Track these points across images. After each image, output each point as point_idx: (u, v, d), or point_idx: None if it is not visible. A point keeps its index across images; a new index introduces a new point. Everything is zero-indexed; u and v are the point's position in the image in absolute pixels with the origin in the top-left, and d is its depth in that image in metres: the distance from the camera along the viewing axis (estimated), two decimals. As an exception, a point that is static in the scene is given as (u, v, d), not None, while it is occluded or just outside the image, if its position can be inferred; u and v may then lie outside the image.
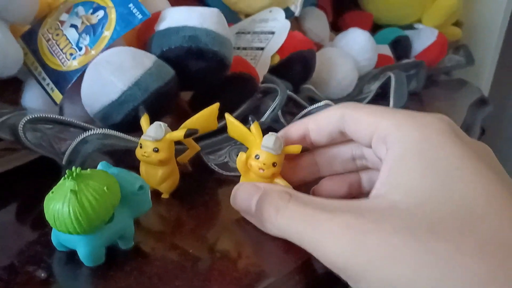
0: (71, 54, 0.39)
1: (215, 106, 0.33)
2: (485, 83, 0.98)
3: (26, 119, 0.31)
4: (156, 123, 0.30)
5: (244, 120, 0.43)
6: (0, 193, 0.31)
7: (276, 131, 0.46)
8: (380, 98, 0.61)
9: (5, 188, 0.31)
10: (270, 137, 0.30)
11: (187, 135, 0.30)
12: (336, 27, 0.73)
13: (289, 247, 0.27)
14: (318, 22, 0.65)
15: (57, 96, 0.39)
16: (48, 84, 0.39)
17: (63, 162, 0.33)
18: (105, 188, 0.23)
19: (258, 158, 0.30)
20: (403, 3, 0.71)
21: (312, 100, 0.52)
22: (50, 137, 0.35)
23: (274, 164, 0.30)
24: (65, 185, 0.22)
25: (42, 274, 0.24)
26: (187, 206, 0.32)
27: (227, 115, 0.32)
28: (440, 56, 0.72)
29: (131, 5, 0.39)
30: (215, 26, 0.39)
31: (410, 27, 0.74)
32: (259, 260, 0.27)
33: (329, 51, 0.58)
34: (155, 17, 0.40)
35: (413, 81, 0.68)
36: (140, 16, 0.39)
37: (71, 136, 0.34)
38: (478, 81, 0.94)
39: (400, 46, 0.69)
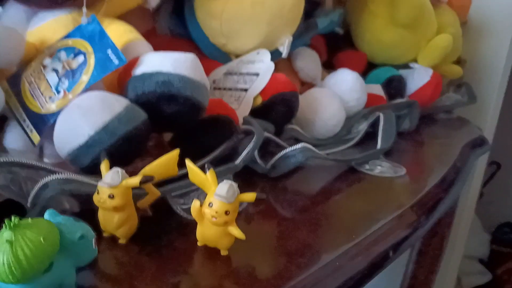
0: (50, 97, 0.40)
1: (175, 152, 0.33)
2: (490, 120, 0.97)
3: (-8, 164, 0.32)
4: (114, 169, 0.31)
5: (221, 161, 0.44)
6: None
7: (255, 171, 0.47)
8: (370, 138, 0.61)
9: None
10: (224, 185, 0.30)
11: (142, 182, 0.30)
12: (331, 66, 0.73)
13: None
14: (309, 62, 0.66)
15: (35, 137, 0.40)
16: (28, 126, 0.41)
17: (28, 205, 0.33)
18: (41, 238, 0.23)
19: (211, 206, 0.30)
20: (397, 43, 0.72)
21: (297, 140, 0.52)
22: (21, 179, 0.36)
23: (226, 213, 0.30)
24: (2, 235, 0.23)
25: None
26: (147, 250, 0.33)
27: (187, 161, 0.33)
28: (434, 95, 0.72)
29: (109, 50, 0.41)
30: (189, 72, 0.40)
31: (405, 66, 0.74)
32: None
33: (316, 92, 0.58)
34: (134, 62, 0.42)
35: (406, 120, 0.67)
36: (116, 62, 0.40)
37: (41, 178, 0.35)
38: (481, 118, 0.92)
39: (394, 86, 0.69)
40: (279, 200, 0.44)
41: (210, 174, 0.31)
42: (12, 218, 0.23)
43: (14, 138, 0.42)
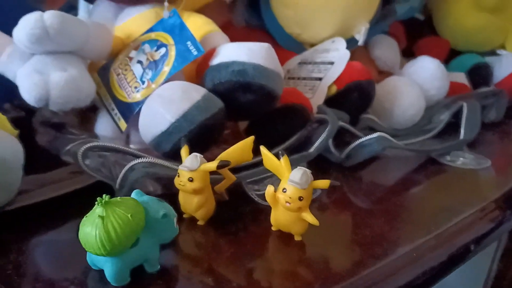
0: (135, 87, 0.43)
1: (250, 139, 0.34)
2: None
3: (84, 147, 0.35)
4: (193, 154, 0.33)
5: (295, 150, 0.44)
6: (61, 213, 0.35)
7: (329, 161, 0.46)
8: (452, 129, 0.58)
9: (66, 208, 0.35)
10: (298, 171, 0.31)
11: (219, 166, 0.32)
12: (411, 54, 0.70)
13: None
14: (387, 50, 0.63)
15: (123, 125, 0.43)
16: (116, 114, 0.44)
17: (116, 187, 0.36)
18: (129, 216, 0.25)
19: (285, 191, 0.31)
20: (482, 28, 0.67)
21: (373, 130, 0.51)
22: (111, 163, 0.39)
23: (300, 198, 0.30)
24: (95, 211, 0.25)
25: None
26: (223, 233, 0.34)
27: (262, 148, 0.34)
28: (525, 84, 0.66)
29: (189, 42, 0.43)
30: (263, 61, 0.41)
31: (492, 53, 0.69)
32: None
33: (394, 80, 0.56)
34: (211, 53, 0.43)
35: (492, 110, 0.63)
36: (195, 53, 0.42)
37: (128, 162, 0.38)
38: None
39: (479, 74, 0.64)
40: (354, 190, 0.43)
41: (284, 160, 0.32)
42: (103, 196, 0.26)
43: (104, 126, 0.45)
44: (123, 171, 0.35)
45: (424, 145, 0.54)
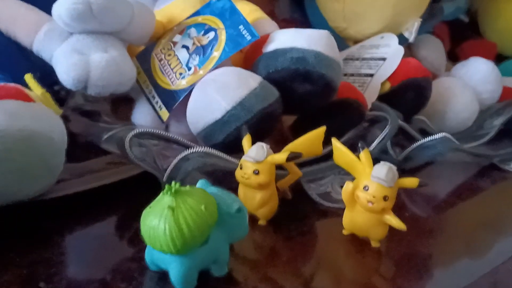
0: (180, 74, 0.39)
1: (321, 129, 0.31)
2: None
3: (133, 133, 0.32)
4: (258, 144, 0.29)
5: (349, 149, 0.40)
6: (101, 206, 0.31)
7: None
8: (503, 136, 0.54)
9: (106, 201, 0.32)
10: (383, 166, 0.27)
11: (289, 158, 0.28)
12: (453, 57, 0.67)
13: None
14: (433, 50, 0.60)
15: (164, 114, 0.39)
16: (157, 102, 0.40)
17: (164, 179, 0.32)
18: (202, 207, 0.21)
19: (367, 189, 0.27)
20: (534, 31, 0.64)
21: (425, 133, 0.47)
22: (155, 153, 0.35)
23: (385, 198, 0.26)
24: (163, 200, 0.21)
25: (133, 292, 0.23)
26: (284, 236, 0.30)
27: (334, 140, 0.30)
28: None
29: (241, 26, 0.39)
30: (324, 48, 0.37)
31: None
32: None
33: (447, 81, 0.53)
34: (264, 39, 0.40)
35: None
36: (249, 38, 0.38)
37: (174, 153, 0.34)
38: None
39: (529, 79, 0.61)
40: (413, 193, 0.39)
41: (364, 154, 0.28)
42: (173, 183, 0.22)
43: (142, 115, 0.41)
44: (176, 160, 0.31)
45: (478, 151, 0.50)
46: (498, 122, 0.54)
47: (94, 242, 0.28)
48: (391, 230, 0.28)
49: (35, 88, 0.30)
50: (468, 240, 0.33)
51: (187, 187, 0.22)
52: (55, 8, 0.36)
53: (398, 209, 0.36)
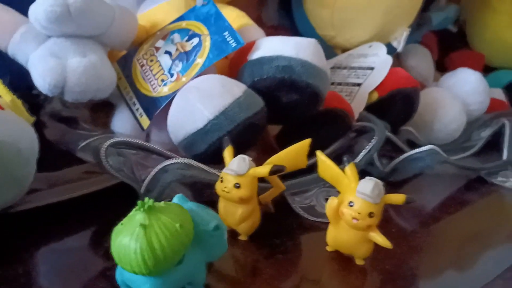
0: (162, 80, 0.38)
1: (306, 142, 0.29)
2: None
3: (109, 142, 0.30)
4: (240, 156, 0.28)
5: (334, 160, 0.39)
6: (73, 218, 0.30)
7: (370, 175, 0.42)
8: (491, 148, 0.53)
9: (80, 212, 0.30)
10: (368, 182, 0.26)
11: (273, 172, 0.27)
12: (441, 67, 0.67)
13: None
14: (422, 60, 0.59)
15: (145, 122, 0.38)
16: (137, 109, 0.39)
17: (142, 190, 0.31)
18: (177, 225, 0.20)
19: (352, 205, 0.26)
20: (522, 42, 0.64)
21: (412, 145, 0.46)
22: (133, 163, 0.34)
23: (370, 215, 0.25)
24: (135, 217, 0.20)
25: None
26: (266, 252, 0.29)
27: (318, 153, 0.29)
28: None
29: (226, 33, 0.38)
30: (311, 57, 0.36)
31: (528, 70, 0.65)
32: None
33: (435, 91, 0.52)
34: (249, 46, 0.39)
35: (531, 130, 0.59)
36: (234, 44, 0.37)
37: (154, 163, 0.33)
38: None
39: (516, 91, 0.61)
40: (399, 207, 0.38)
41: (350, 169, 0.27)
42: (146, 199, 0.20)
43: (122, 122, 0.40)
44: (154, 171, 0.30)
45: (465, 163, 0.50)
46: (485, 134, 0.54)
47: (64, 258, 0.26)
48: (377, 245, 0.27)
49: (4, 95, 0.28)
50: (455, 255, 0.32)
51: (162, 203, 0.21)
52: (32, 9, 0.34)
53: (385, 224, 0.35)
